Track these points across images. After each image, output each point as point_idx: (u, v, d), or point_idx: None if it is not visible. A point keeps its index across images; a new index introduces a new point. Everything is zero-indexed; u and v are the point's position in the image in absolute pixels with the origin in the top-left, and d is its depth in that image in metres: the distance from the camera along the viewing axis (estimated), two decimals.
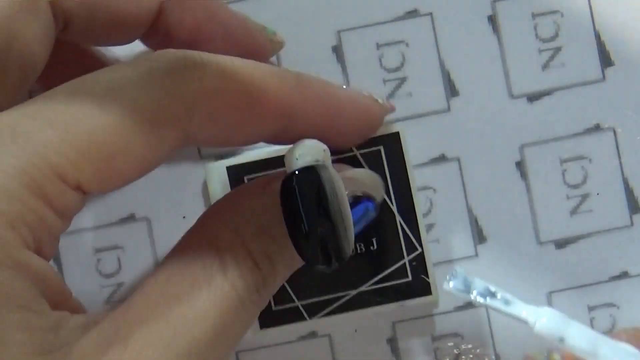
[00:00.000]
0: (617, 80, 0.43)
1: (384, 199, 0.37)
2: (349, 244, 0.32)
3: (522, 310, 0.28)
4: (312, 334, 0.43)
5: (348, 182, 0.34)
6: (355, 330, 0.43)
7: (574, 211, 0.43)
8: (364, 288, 0.37)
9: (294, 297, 0.37)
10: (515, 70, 0.43)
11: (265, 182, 0.35)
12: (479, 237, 0.43)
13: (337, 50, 0.43)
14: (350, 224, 0.32)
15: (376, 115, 0.37)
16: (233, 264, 0.32)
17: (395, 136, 0.38)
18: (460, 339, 0.43)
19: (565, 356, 0.30)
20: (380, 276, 0.37)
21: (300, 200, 0.31)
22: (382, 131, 0.37)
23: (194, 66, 0.31)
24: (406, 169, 0.38)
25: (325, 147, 0.33)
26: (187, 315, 0.31)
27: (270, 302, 0.38)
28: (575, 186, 0.43)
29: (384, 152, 0.37)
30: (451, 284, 0.30)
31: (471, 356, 0.43)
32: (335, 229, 0.31)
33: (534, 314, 0.27)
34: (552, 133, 0.43)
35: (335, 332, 0.43)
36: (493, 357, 0.43)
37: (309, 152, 0.32)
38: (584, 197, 0.43)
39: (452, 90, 0.43)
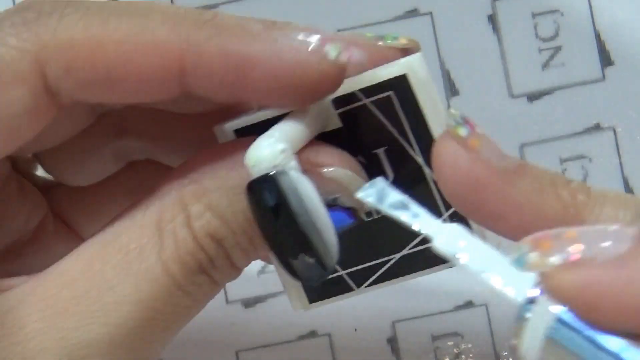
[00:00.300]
0: (617, 79, 0.43)
1: (405, 151, 0.32)
2: (330, 252, 0.29)
3: (428, 224, 0.27)
4: (312, 334, 0.43)
5: (326, 183, 0.30)
6: (355, 330, 0.43)
7: None
8: (406, 251, 0.33)
9: (336, 266, 0.33)
10: (515, 70, 0.43)
11: (231, 150, 0.31)
12: (480, 236, 0.43)
13: None
14: (327, 228, 0.29)
15: (314, 76, 0.28)
16: (172, 245, 0.29)
17: (404, 79, 0.30)
18: (460, 338, 0.43)
19: (473, 128, 0.29)
20: (421, 237, 0.31)
21: (262, 216, 0.28)
22: (387, 74, 0.30)
23: (49, 13, 0.28)
24: (423, 116, 0.31)
25: (283, 146, 0.29)
26: (106, 299, 0.29)
27: None
28: None
29: (395, 98, 0.31)
30: (363, 192, 0.28)
31: (471, 356, 0.43)
32: (309, 241, 0.28)
33: (438, 229, 0.26)
34: (552, 132, 0.43)
35: (335, 332, 0.43)
36: (493, 357, 0.43)
37: (264, 157, 0.28)
38: None
39: (452, 89, 0.43)
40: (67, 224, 0.36)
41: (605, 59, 0.43)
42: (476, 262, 0.25)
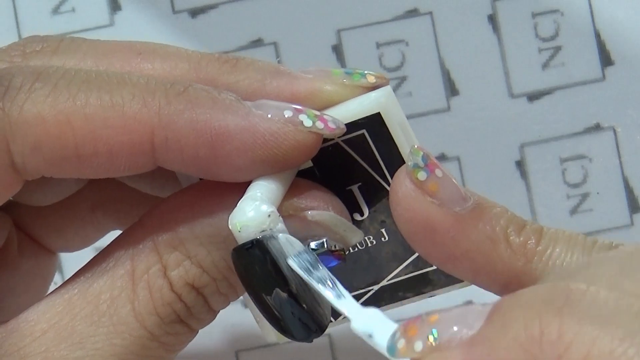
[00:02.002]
0: (617, 79, 0.43)
1: (380, 186, 0.32)
2: (324, 310, 0.29)
3: (349, 306, 0.27)
4: None
5: (311, 227, 0.29)
6: None
7: (574, 210, 0.43)
8: (385, 282, 0.33)
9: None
10: (515, 70, 0.43)
11: (203, 194, 0.30)
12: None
13: (337, 50, 0.43)
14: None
15: (291, 146, 0.28)
16: (146, 296, 0.29)
17: (377, 117, 0.30)
18: None
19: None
20: (400, 268, 0.33)
21: (251, 281, 0.28)
22: (359, 112, 0.30)
23: (18, 88, 0.28)
24: (399, 151, 0.31)
25: (269, 209, 0.28)
26: (77, 353, 0.28)
27: None
28: (576, 185, 0.43)
29: (368, 136, 0.30)
30: (295, 261, 0.28)
31: None
32: (302, 304, 0.28)
33: (358, 312, 0.27)
34: (552, 132, 0.43)
35: (336, 331, 0.43)
36: None
37: (251, 222, 0.28)
38: (584, 196, 0.43)
39: (452, 89, 0.43)
40: (32, 238, 0.36)
41: (605, 59, 0.43)
42: (385, 341, 0.26)
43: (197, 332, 0.30)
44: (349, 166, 0.31)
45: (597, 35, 0.43)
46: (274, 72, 0.30)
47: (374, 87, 0.31)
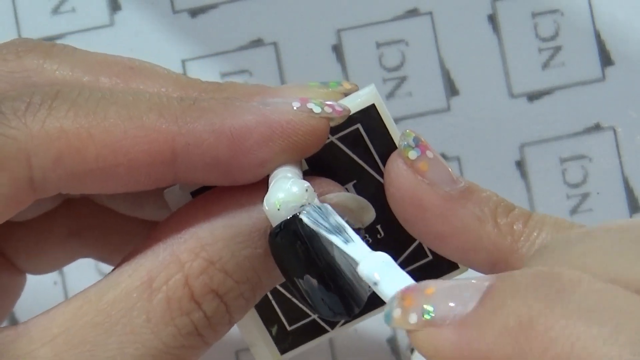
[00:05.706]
0: (617, 79, 0.43)
1: (376, 181, 0.32)
2: (362, 286, 0.29)
3: (357, 250, 0.27)
4: None
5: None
6: (355, 330, 0.43)
7: (574, 210, 0.43)
8: None
9: (307, 310, 0.33)
10: (515, 70, 0.43)
11: (217, 200, 0.30)
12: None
13: (337, 50, 0.43)
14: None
15: (306, 131, 0.29)
16: (163, 306, 0.28)
17: (372, 109, 0.31)
18: None
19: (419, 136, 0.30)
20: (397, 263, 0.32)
21: (292, 258, 0.28)
22: (354, 107, 0.31)
23: (38, 104, 0.28)
24: (393, 143, 0.31)
25: (307, 184, 0.28)
26: None
27: (283, 322, 0.33)
28: (576, 185, 0.43)
29: (363, 130, 0.31)
30: (307, 215, 0.28)
31: None
32: (343, 278, 0.28)
33: (366, 255, 0.27)
34: (552, 132, 0.43)
35: (335, 331, 0.43)
36: None
37: (291, 198, 0.28)
38: (584, 196, 0.43)
39: (452, 89, 0.43)
40: (3, 254, 0.36)
41: (605, 59, 0.43)
42: (392, 291, 0.26)
43: (210, 347, 0.30)
44: (344, 164, 0.32)
45: (597, 35, 0.43)
46: (257, 89, 0.31)
47: (348, 94, 0.32)
